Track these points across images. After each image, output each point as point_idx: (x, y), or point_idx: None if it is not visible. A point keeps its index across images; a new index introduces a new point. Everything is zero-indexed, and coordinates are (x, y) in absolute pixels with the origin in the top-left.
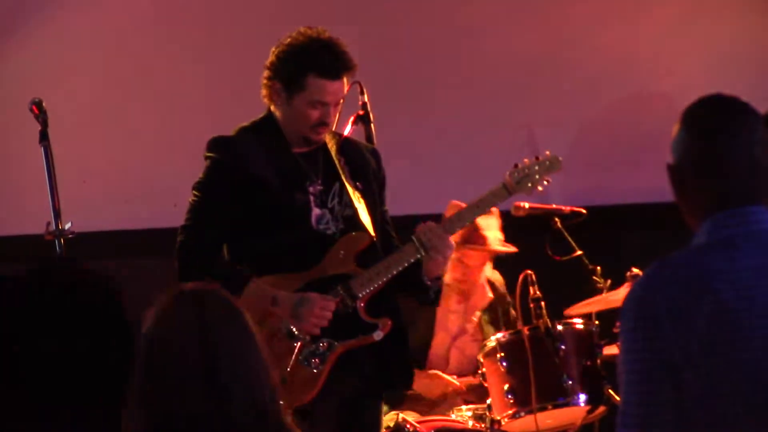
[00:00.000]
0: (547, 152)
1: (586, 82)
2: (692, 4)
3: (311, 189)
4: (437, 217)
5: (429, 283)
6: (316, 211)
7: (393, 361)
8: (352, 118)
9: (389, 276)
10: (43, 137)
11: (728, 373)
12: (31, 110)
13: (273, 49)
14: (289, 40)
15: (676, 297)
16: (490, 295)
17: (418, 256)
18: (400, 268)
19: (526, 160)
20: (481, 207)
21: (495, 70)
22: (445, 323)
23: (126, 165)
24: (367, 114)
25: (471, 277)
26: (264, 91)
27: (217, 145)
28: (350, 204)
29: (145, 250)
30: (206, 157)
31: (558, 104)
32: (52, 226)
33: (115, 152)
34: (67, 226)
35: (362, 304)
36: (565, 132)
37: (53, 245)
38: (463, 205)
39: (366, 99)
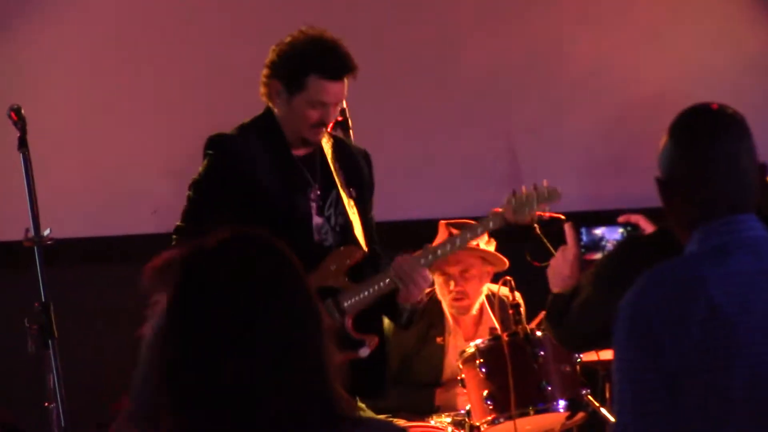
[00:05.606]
0: (545, 182)
1: (567, 89)
2: (671, 10)
3: (312, 195)
4: (417, 224)
5: (404, 307)
6: (316, 220)
7: (366, 371)
8: (330, 124)
9: (374, 294)
10: (22, 144)
11: (725, 378)
12: (10, 117)
13: (273, 47)
14: (290, 39)
15: (670, 304)
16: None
17: (392, 286)
18: (380, 292)
19: (524, 188)
20: (475, 231)
21: (475, 78)
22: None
23: (105, 171)
24: (345, 120)
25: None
26: (263, 89)
27: (217, 142)
28: (344, 212)
29: (124, 257)
30: (205, 155)
31: (539, 111)
32: (31, 233)
33: (94, 159)
34: (46, 232)
35: (350, 321)
36: (545, 138)
37: (32, 252)
38: (454, 231)
39: (345, 105)
